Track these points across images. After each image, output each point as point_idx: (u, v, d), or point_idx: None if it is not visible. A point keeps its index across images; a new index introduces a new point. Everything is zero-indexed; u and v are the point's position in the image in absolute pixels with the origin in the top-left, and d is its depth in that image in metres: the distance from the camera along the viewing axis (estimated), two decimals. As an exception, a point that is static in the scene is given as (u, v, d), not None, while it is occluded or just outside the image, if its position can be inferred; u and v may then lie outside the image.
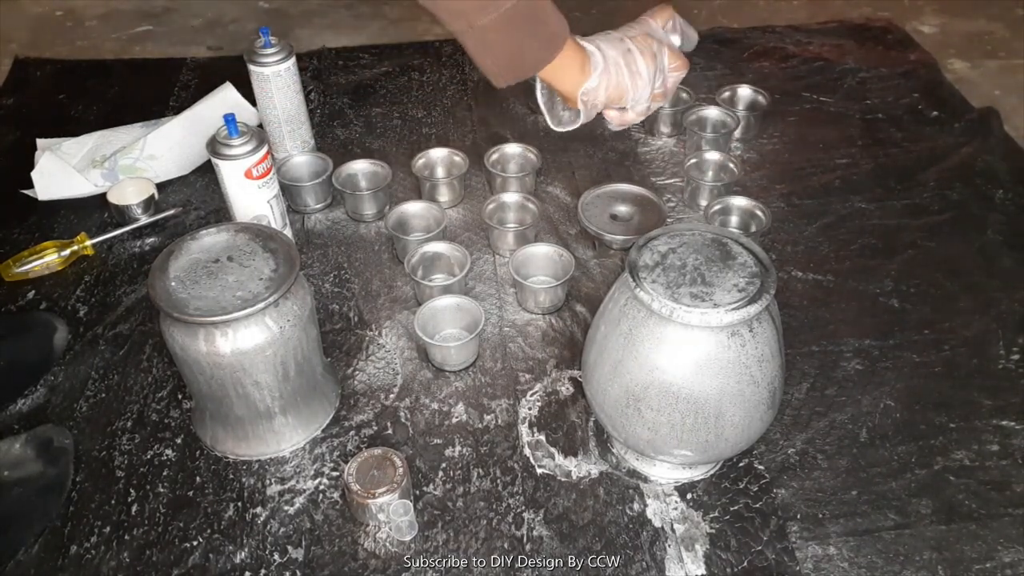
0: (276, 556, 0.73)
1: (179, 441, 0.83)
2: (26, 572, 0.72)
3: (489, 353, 0.90)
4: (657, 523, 0.75)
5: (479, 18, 0.85)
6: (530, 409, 0.85)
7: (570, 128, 1.05)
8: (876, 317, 0.94)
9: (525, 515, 0.76)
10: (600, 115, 1.03)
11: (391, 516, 0.73)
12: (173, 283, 0.73)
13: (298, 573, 0.72)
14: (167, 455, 0.81)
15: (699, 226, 0.72)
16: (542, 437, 0.82)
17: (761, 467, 0.79)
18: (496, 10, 0.84)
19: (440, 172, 1.11)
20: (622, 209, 1.05)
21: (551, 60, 0.91)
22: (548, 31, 0.90)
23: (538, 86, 0.99)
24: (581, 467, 0.80)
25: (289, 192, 1.07)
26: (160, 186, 1.10)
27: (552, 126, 1.04)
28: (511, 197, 1.05)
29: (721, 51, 1.37)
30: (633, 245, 0.70)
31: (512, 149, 1.13)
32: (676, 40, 1.05)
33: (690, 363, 0.67)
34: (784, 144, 1.20)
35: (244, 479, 0.79)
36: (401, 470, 0.74)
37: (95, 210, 1.09)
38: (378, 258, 1.03)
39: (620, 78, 0.96)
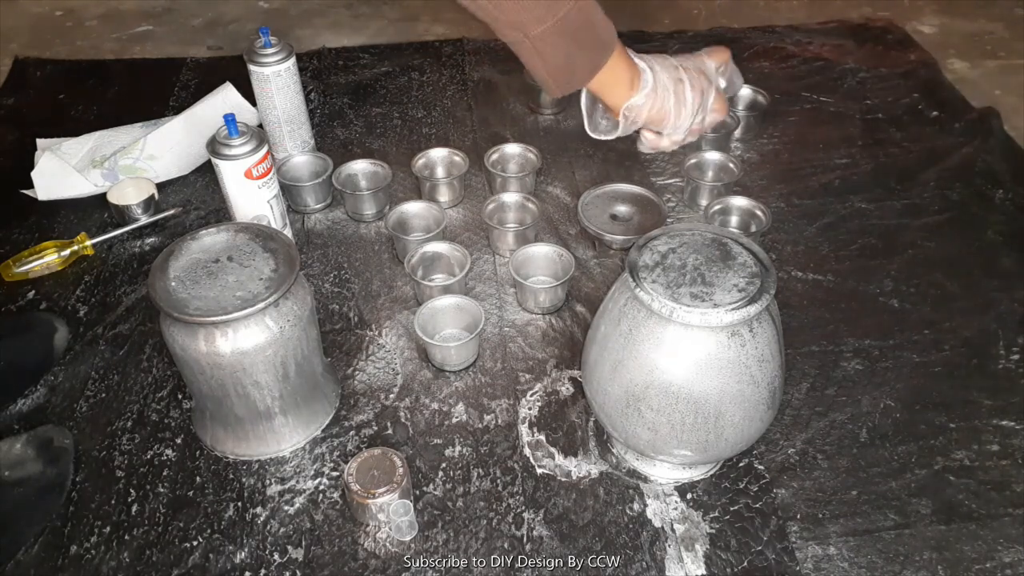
0: (276, 556, 0.73)
1: (179, 441, 0.83)
2: (26, 572, 0.72)
3: (489, 353, 0.90)
4: (657, 523, 0.75)
5: (534, 28, 0.88)
6: (530, 409, 0.85)
7: (606, 138, 1.07)
8: (876, 317, 0.94)
9: (525, 515, 0.76)
10: (636, 133, 1.06)
11: (391, 516, 0.73)
12: (173, 283, 0.73)
13: (298, 573, 0.72)
14: (167, 455, 0.81)
15: (699, 226, 0.72)
16: (542, 437, 0.82)
17: (761, 467, 0.79)
18: (552, 18, 0.87)
19: (440, 172, 1.11)
20: (622, 209, 1.05)
21: (600, 68, 0.94)
22: (597, 40, 0.93)
23: (583, 91, 1.01)
24: (581, 467, 0.80)
25: (289, 192, 1.07)
26: (160, 186, 1.10)
27: (589, 132, 1.06)
28: (511, 197, 1.05)
29: (721, 51, 1.37)
30: (633, 245, 0.70)
31: (512, 149, 1.13)
32: (722, 83, 1.09)
33: (690, 363, 0.67)
34: (784, 144, 1.20)
35: (244, 479, 0.79)
36: (401, 470, 0.74)
37: (95, 210, 1.09)
38: (378, 258, 1.03)
39: (666, 103, 0.99)
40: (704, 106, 1.03)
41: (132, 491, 0.78)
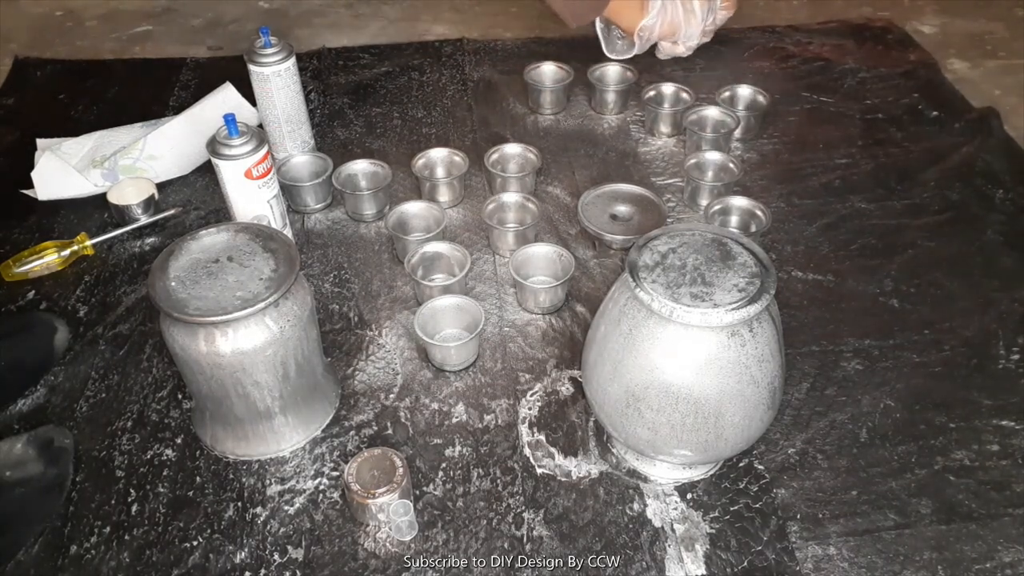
0: (276, 556, 0.73)
1: (179, 441, 0.83)
2: (26, 572, 0.72)
3: (489, 353, 0.90)
4: (657, 523, 0.75)
5: None
6: (530, 409, 0.85)
7: (624, 57, 1.18)
8: (876, 317, 0.94)
9: (525, 515, 0.76)
10: (652, 47, 1.19)
11: (391, 516, 0.73)
12: (173, 283, 0.73)
13: (298, 573, 0.72)
14: (167, 455, 0.81)
15: (699, 226, 0.72)
16: (542, 437, 0.82)
17: (761, 467, 0.79)
18: None
19: (440, 172, 1.11)
20: (622, 209, 1.05)
21: None
22: None
23: (596, 18, 1.13)
24: (581, 467, 0.80)
25: (289, 192, 1.07)
26: (160, 186, 1.10)
27: (608, 53, 1.18)
28: (511, 197, 1.05)
29: (721, 51, 1.37)
30: (633, 245, 0.70)
31: (512, 149, 1.13)
32: None
33: (690, 363, 0.67)
34: (784, 144, 1.20)
35: (244, 479, 0.79)
36: (401, 470, 0.74)
37: (95, 210, 1.09)
38: (378, 258, 1.03)
39: (675, 16, 1.10)
40: (713, 8, 1.13)
41: (132, 491, 0.78)
